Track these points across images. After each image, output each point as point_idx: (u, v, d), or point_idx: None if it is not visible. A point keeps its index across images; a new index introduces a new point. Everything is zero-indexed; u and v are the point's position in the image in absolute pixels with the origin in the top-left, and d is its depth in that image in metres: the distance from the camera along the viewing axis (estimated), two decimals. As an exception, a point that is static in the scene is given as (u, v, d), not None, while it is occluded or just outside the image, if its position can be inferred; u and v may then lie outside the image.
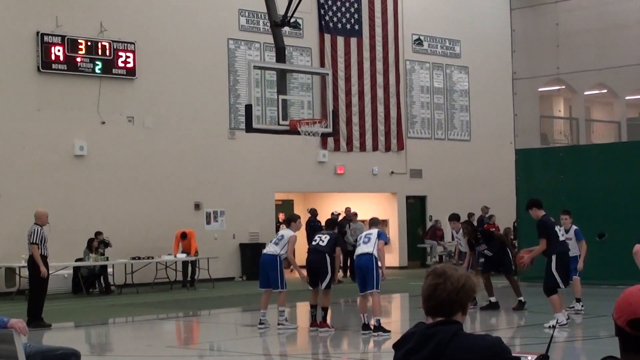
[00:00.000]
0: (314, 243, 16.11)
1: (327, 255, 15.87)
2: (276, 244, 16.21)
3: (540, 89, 30.38)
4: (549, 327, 14.61)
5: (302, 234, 31.26)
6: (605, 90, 33.52)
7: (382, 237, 15.49)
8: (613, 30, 26.28)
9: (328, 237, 16.07)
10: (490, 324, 17.47)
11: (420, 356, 3.94)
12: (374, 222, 16.28)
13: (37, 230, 16.88)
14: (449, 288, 3.97)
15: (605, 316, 15.59)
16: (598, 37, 26.41)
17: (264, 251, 16.58)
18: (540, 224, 15.46)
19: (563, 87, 32.67)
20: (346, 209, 29.12)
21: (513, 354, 3.98)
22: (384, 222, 33.32)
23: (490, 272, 18.72)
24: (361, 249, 15.36)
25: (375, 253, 15.10)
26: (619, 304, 3.43)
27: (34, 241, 16.79)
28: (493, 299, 18.50)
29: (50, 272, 17.50)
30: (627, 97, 33.67)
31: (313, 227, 28.57)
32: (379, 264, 15.10)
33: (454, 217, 19.36)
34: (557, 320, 14.37)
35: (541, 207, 15.61)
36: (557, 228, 15.86)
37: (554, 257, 15.10)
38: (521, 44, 26.20)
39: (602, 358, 3.59)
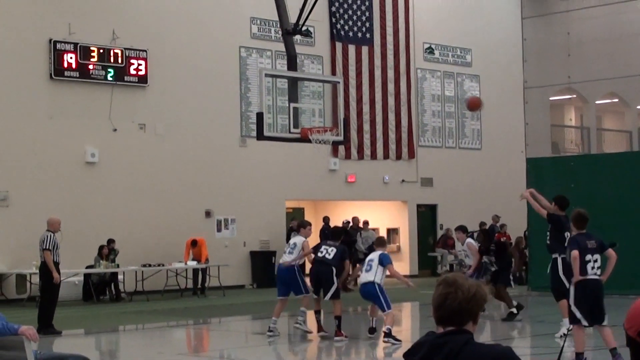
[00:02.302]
0: (320, 255, 16.04)
1: (333, 268, 15.88)
2: (290, 252, 16.33)
3: (551, 98, 30.40)
4: (560, 336, 14.54)
5: (313, 241, 31.29)
6: (617, 100, 33.50)
7: (385, 261, 15.52)
8: (624, 39, 26.27)
9: (335, 250, 16.00)
10: (501, 333, 17.42)
11: (431, 365, 3.94)
12: (379, 243, 16.58)
13: (50, 236, 16.94)
14: (460, 297, 3.97)
15: (616, 326, 15.54)
16: (609, 46, 26.41)
17: (280, 261, 16.76)
18: (551, 217, 15.14)
19: (574, 96, 32.67)
20: (353, 218, 29.07)
21: (524, 364, 3.98)
22: (395, 231, 33.34)
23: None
24: (364, 277, 15.59)
25: (377, 280, 15.35)
26: (630, 315, 3.44)
27: (47, 247, 16.86)
28: (514, 310, 18.39)
29: (61, 278, 17.54)
30: (639, 107, 33.62)
31: (327, 235, 28.61)
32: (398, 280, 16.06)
33: (460, 228, 19.28)
34: (567, 327, 14.12)
35: (563, 208, 15.37)
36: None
37: (559, 261, 14.77)
38: (532, 52, 26.19)
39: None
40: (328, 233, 28.46)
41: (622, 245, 18.86)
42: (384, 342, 15.09)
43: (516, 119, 29.55)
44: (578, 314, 11.71)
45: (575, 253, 11.67)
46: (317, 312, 16.27)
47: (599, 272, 11.81)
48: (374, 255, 15.85)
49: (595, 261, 11.78)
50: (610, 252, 11.98)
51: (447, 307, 3.98)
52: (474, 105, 18.90)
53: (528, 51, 26.31)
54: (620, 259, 19.35)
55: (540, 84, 26.26)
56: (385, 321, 15.39)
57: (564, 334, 14.03)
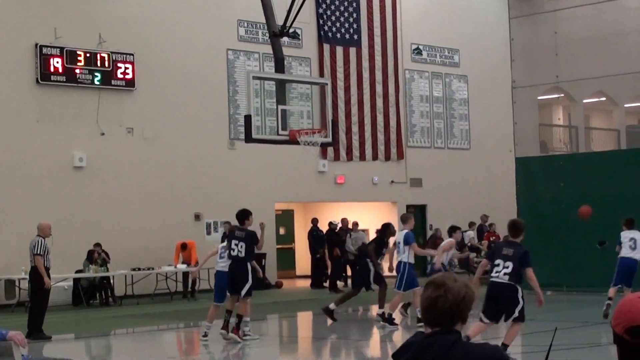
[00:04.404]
0: (233, 253, 15.83)
1: (248, 264, 15.73)
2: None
3: (539, 98, 30.46)
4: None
5: (304, 244, 31.28)
6: (604, 98, 33.58)
7: (408, 241, 17.40)
8: (612, 38, 26.34)
9: (243, 243, 15.76)
10: (491, 332, 17.43)
11: (419, 366, 3.93)
12: (404, 220, 18.27)
13: (41, 241, 16.89)
14: (450, 300, 3.96)
15: (604, 323, 15.58)
16: (597, 46, 26.47)
17: (218, 268, 16.42)
18: None
19: (562, 95, 32.75)
20: (342, 219, 29.07)
21: (512, 363, 3.98)
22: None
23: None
24: (397, 257, 17.59)
25: (404, 259, 17.37)
26: (617, 312, 3.43)
27: (38, 252, 16.80)
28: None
29: (51, 283, 17.49)
30: (626, 105, 33.73)
31: (315, 236, 28.64)
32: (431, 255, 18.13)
33: (456, 229, 19.48)
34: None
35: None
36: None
37: None
38: (520, 52, 26.25)
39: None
40: (320, 233, 28.64)
41: (612, 243, 18.93)
42: (377, 322, 15.48)
43: (504, 118, 29.60)
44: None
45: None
46: (228, 312, 15.94)
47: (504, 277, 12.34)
48: (400, 236, 17.64)
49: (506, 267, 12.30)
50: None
51: (437, 310, 3.97)
52: (585, 214, 19.24)
53: (516, 51, 26.36)
54: (610, 257, 19.44)
55: (528, 84, 26.31)
56: (390, 305, 16.94)
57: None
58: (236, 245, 15.81)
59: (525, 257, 12.29)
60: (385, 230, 18.91)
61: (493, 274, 12.35)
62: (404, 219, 18.27)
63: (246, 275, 15.55)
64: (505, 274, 12.22)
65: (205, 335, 16.03)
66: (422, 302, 4.04)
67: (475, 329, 12.50)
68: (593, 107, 36.10)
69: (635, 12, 26.90)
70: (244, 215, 16.13)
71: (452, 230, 19.64)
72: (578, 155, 28.37)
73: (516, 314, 12.32)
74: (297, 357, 15.67)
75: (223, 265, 16.01)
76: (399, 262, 17.54)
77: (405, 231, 17.73)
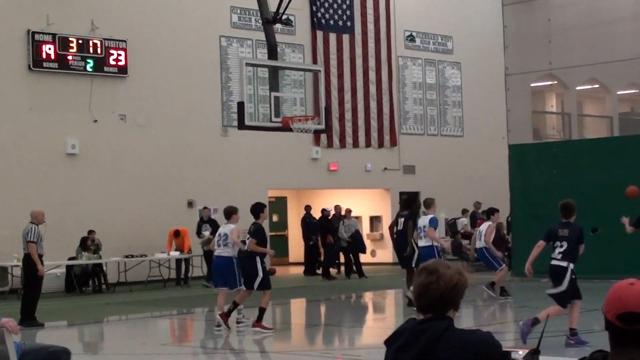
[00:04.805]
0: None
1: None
2: (226, 244, 15.86)
3: (532, 85, 30.42)
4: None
5: (297, 231, 31.29)
6: (597, 86, 33.56)
7: (431, 224, 17.85)
8: (605, 25, 26.30)
9: (228, 238, 15.67)
10: (482, 318, 17.48)
11: (411, 352, 3.94)
12: (427, 205, 18.56)
13: (34, 228, 16.86)
14: (442, 287, 3.96)
15: (596, 310, 15.58)
16: (590, 33, 26.42)
17: (216, 253, 16.16)
18: None
19: (555, 82, 32.71)
20: (335, 206, 29.07)
21: (504, 349, 3.98)
22: (378, 219, 33.36)
23: None
24: (421, 242, 17.99)
25: (429, 243, 17.86)
26: (608, 298, 3.44)
27: (32, 239, 16.77)
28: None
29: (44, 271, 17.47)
30: (619, 92, 33.72)
31: (309, 223, 28.64)
32: (436, 243, 18.09)
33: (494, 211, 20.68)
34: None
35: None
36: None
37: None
38: (513, 39, 26.20)
39: (592, 352, 3.59)
40: (313, 220, 28.64)
41: (604, 230, 18.95)
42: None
43: (498, 105, 29.58)
44: None
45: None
46: (235, 304, 15.72)
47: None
48: (424, 220, 17.94)
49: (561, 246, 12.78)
50: None
51: (429, 296, 3.97)
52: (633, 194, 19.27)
53: (509, 38, 26.32)
54: (602, 243, 19.49)
55: (522, 71, 26.28)
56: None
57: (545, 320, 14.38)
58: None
59: (580, 234, 12.78)
60: (414, 206, 19.57)
61: (554, 255, 12.75)
62: (428, 204, 18.60)
63: (256, 270, 15.43)
64: (559, 252, 12.66)
65: (219, 325, 15.67)
66: (415, 288, 4.05)
67: (553, 310, 12.73)
68: (586, 95, 36.08)
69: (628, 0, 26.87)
70: (257, 209, 15.77)
71: (491, 212, 20.12)
72: (571, 142, 28.37)
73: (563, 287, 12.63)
74: (290, 344, 15.69)
75: (220, 250, 15.97)
76: (427, 247, 17.80)
77: (430, 216, 18.15)
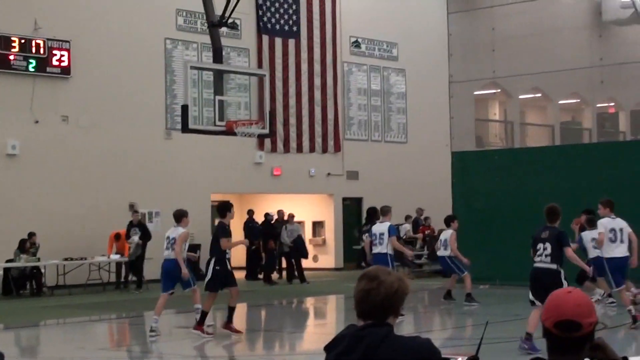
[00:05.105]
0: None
1: (210, 260, 15.51)
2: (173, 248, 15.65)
3: (476, 93, 30.70)
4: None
5: (240, 236, 31.16)
6: (540, 95, 33.95)
7: (393, 233, 17.72)
8: (548, 34, 26.64)
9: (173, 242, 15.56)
10: (422, 325, 17.54)
11: (351, 358, 3.92)
12: (384, 212, 18.15)
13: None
14: (382, 293, 3.94)
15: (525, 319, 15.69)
16: (533, 42, 26.74)
17: (165, 256, 15.94)
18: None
19: (499, 90, 33.04)
20: (278, 211, 29.02)
21: (443, 356, 3.97)
22: (320, 224, 33.37)
23: None
24: (376, 249, 17.62)
25: (389, 251, 17.46)
26: (547, 307, 3.45)
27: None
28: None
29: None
30: (561, 101, 34.16)
31: (251, 228, 28.53)
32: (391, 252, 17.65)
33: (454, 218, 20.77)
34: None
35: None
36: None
37: None
38: (458, 47, 26.41)
39: (530, 359, 3.60)
40: (255, 224, 28.53)
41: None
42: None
43: (441, 113, 29.76)
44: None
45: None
46: (231, 308, 15.75)
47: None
48: (382, 228, 17.57)
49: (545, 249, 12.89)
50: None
51: (370, 303, 3.95)
52: None
53: (453, 46, 26.51)
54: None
55: (466, 79, 26.49)
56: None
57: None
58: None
59: (563, 237, 12.84)
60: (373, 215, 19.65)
61: (535, 259, 12.82)
62: (385, 211, 18.25)
63: (207, 269, 15.37)
64: (546, 255, 12.71)
65: (154, 330, 15.40)
66: (355, 294, 4.02)
67: (534, 318, 12.66)
68: (528, 103, 36.47)
69: (570, 9, 27.25)
70: (224, 208, 15.67)
71: (450, 220, 20.12)
72: (513, 150, 28.66)
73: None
74: (230, 349, 15.59)
75: (168, 253, 15.79)
76: (382, 254, 17.39)
77: (387, 223, 17.83)
